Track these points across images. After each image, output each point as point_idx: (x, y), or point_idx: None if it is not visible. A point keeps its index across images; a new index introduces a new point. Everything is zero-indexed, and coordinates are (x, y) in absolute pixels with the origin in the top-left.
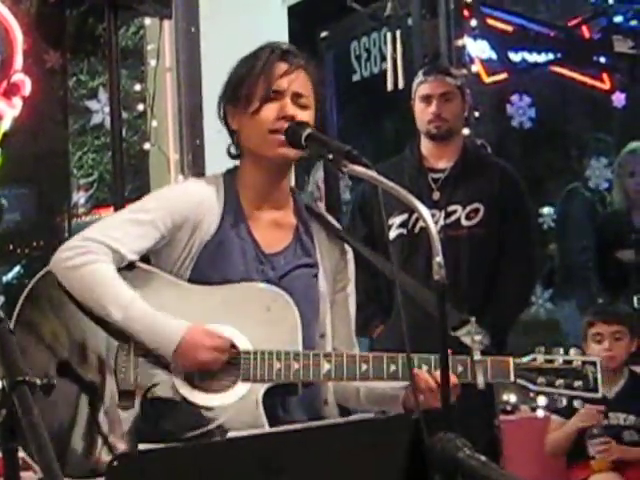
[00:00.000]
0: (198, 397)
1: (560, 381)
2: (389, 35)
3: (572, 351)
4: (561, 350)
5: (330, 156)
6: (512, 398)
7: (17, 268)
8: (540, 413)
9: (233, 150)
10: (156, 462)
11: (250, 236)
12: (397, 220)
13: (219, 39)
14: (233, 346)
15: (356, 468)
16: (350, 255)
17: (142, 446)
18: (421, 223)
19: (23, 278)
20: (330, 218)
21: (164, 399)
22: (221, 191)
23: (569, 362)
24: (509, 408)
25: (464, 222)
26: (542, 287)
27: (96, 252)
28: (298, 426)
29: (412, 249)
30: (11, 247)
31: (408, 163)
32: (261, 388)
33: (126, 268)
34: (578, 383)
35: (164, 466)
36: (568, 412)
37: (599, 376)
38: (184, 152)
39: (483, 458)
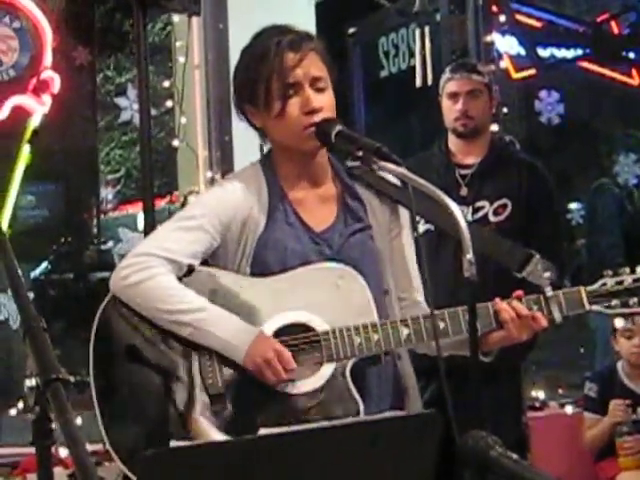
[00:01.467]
0: (288, 387)
1: (634, 299)
2: (417, 31)
3: (638, 269)
4: (627, 269)
5: (360, 153)
6: (540, 395)
7: (44, 264)
8: (569, 410)
9: (265, 147)
10: (185, 459)
11: (299, 220)
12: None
13: (247, 36)
14: (310, 329)
15: (386, 465)
16: (405, 214)
17: (173, 443)
18: None
19: (50, 274)
20: (388, 176)
21: (256, 393)
22: (262, 181)
23: (638, 280)
24: (537, 405)
25: (492, 218)
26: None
27: (153, 265)
28: (325, 424)
29: (440, 244)
30: (39, 243)
31: (436, 159)
32: (347, 365)
33: (187, 274)
34: None
35: (193, 464)
36: (600, 407)
37: None
38: (212, 148)
39: (515, 456)
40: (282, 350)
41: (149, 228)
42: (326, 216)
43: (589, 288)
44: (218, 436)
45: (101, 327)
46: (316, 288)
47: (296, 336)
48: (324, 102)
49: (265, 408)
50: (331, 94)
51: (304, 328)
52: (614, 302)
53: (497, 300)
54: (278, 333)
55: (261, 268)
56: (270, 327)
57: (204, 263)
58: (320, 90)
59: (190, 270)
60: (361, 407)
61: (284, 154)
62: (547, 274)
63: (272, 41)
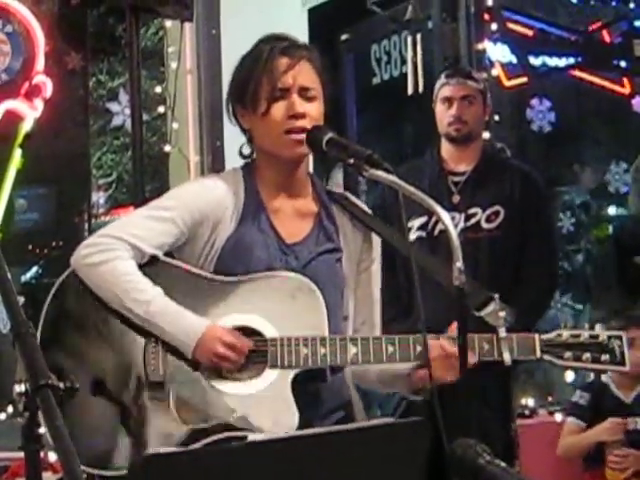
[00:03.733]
0: (228, 386)
1: (587, 355)
2: (409, 38)
3: (597, 326)
4: (586, 325)
5: (351, 160)
6: (530, 402)
7: (35, 268)
8: (558, 417)
9: (246, 150)
10: (176, 464)
11: (272, 228)
12: (416, 223)
13: (240, 42)
14: (259, 334)
15: (374, 474)
16: (378, 245)
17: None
18: (441, 226)
19: (42, 278)
20: (354, 199)
21: (193, 386)
22: (241, 185)
23: (595, 337)
24: (527, 412)
25: (484, 225)
26: (560, 291)
27: (116, 248)
28: (316, 430)
29: (431, 252)
30: (30, 247)
31: (428, 166)
32: (290, 374)
33: (148, 263)
34: (605, 357)
35: (184, 469)
36: (588, 415)
37: (625, 349)
38: (204, 154)
39: (503, 464)
40: (233, 340)
41: None
42: (299, 230)
43: (544, 336)
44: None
45: (57, 296)
46: (272, 296)
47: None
48: (310, 110)
49: (199, 403)
50: (320, 104)
51: (253, 333)
52: (567, 354)
53: (431, 336)
54: None
55: (224, 269)
56: None
57: (168, 255)
58: (309, 99)
59: (152, 259)
60: (296, 419)
61: (266, 161)
62: (503, 314)
63: (267, 46)
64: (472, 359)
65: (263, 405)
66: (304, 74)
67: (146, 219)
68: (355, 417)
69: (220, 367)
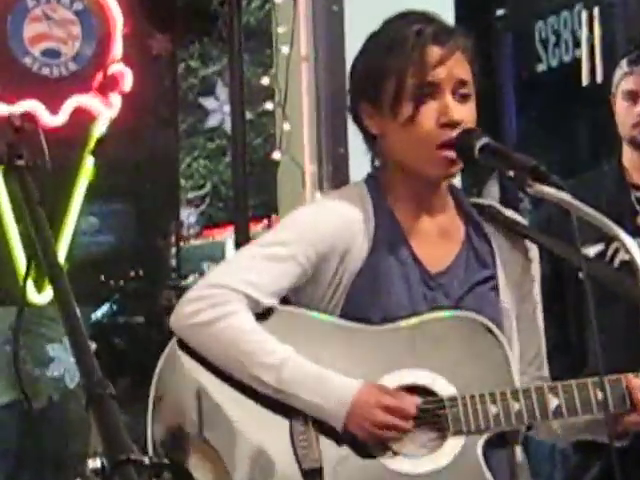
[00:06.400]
0: (404, 464)
1: None
2: (584, 14)
3: None
4: None
5: (511, 172)
6: None
7: (109, 304)
8: None
9: (377, 160)
10: None
11: (412, 256)
12: (591, 252)
13: (367, 21)
14: (432, 394)
15: None
16: (534, 252)
17: None
18: (622, 255)
19: (116, 317)
20: (507, 211)
21: (360, 471)
22: (368, 204)
23: None
24: None
25: None
26: None
27: (228, 301)
28: None
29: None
30: (103, 278)
31: (607, 179)
32: (479, 441)
33: (262, 315)
34: None
35: None
36: None
37: None
38: (323, 163)
39: None
40: (395, 403)
41: None
42: (445, 255)
43: None
44: None
45: (162, 380)
46: (438, 343)
47: None
48: (466, 114)
49: None
50: (474, 106)
51: (423, 392)
52: None
53: (629, 376)
54: None
55: (356, 312)
56: None
57: (283, 299)
58: (463, 98)
59: (268, 310)
60: None
61: (399, 174)
62: None
63: (411, 29)
64: None
65: None
66: (459, 66)
67: (260, 260)
68: None
69: (383, 440)
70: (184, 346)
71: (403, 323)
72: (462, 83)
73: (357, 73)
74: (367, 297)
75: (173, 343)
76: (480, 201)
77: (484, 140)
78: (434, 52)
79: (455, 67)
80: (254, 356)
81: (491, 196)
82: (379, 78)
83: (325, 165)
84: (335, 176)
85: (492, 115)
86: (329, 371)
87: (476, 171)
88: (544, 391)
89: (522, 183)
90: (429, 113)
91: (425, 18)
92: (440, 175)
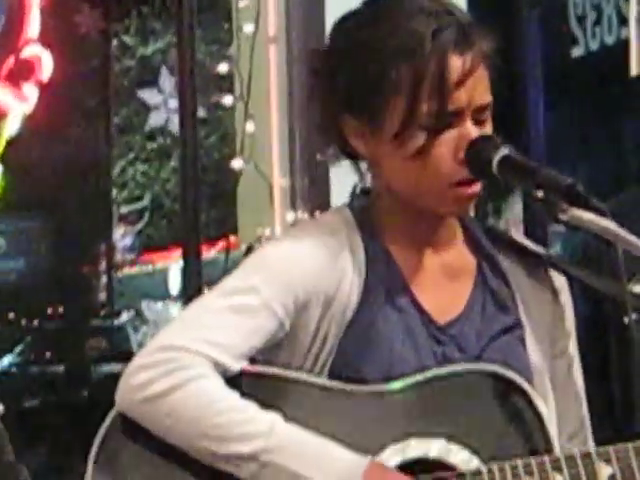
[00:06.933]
0: None
1: None
2: None
3: None
4: None
5: (539, 193)
6: None
7: (19, 348)
8: None
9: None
10: None
11: (413, 302)
12: (638, 289)
13: None
14: (450, 468)
15: None
16: (561, 281)
17: None
18: None
19: (27, 367)
20: (527, 242)
21: None
22: (356, 236)
23: None
24: None
25: None
26: None
27: (190, 365)
28: None
29: None
30: (11, 316)
31: None
32: None
33: (229, 381)
34: None
35: None
36: None
37: None
38: (296, 174)
39: None
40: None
41: (191, 293)
42: (454, 299)
43: None
44: None
45: (101, 468)
46: (455, 403)
47: None
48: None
49: None
50: (491, 127)
51: (438, 466)
52: None
53: None
54: None
55: (348, 371)
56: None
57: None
58: (481, 123)
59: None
60: None
61: (397, 205)
62: None
63: (427, 23)
64: None
65: None
66: (480, 86)
67: (225, 313)
68: None
69: None
70: (137, 427)
71: (409, 381)
72: (482, 109)
73: (342, 72)
74: (361, 355)
75: (109, 423)
76: (492, 226)
77: (504, 151)
78: (455, 65)
79: (476, 88)
80: (232, 427)
81: (512, 216)
82: (378, 90)
83: (299, 178)
84: (312, 191)
85: (514, 115)
86: (330, 441)
87: (495, 189)
88: (593, 458)
89: (554, 207)
90: (445, 146)
91: (439, 6)
92: (453, 213)
